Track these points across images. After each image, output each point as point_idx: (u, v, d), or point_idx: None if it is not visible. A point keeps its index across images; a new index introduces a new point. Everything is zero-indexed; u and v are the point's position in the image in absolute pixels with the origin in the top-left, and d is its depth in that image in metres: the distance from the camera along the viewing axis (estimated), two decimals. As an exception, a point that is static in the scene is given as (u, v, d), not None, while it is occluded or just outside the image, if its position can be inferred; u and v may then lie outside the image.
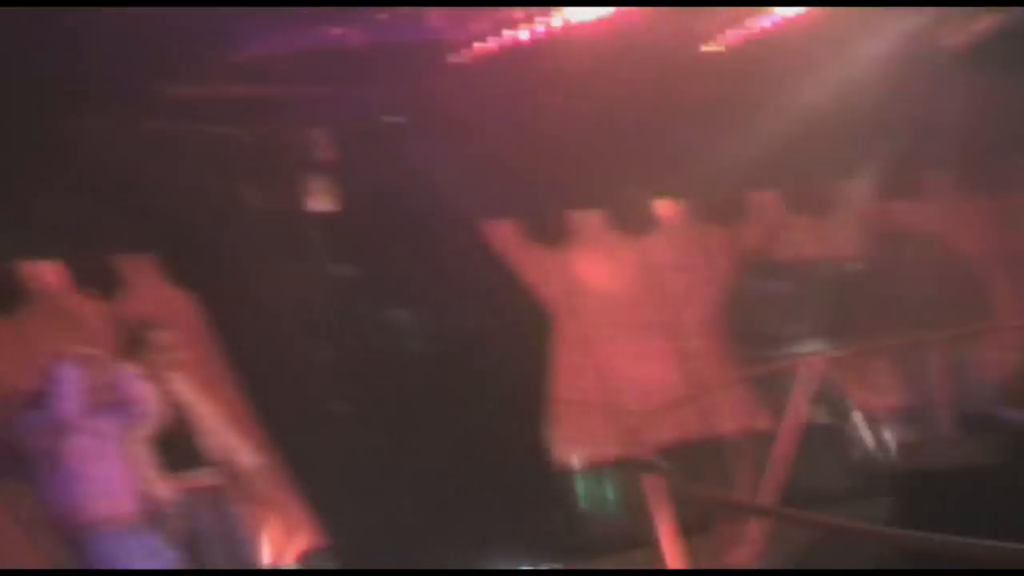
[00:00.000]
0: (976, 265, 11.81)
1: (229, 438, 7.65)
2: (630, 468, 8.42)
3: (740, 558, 7.70)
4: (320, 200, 8.78)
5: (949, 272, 11.25)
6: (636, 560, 8.66)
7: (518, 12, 8.22)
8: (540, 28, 8.51)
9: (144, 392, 7.21)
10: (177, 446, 7.32)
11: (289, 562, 7.87)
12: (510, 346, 9.01)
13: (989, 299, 11.64)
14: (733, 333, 10.55)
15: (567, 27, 8.33)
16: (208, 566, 7.10)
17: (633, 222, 10.64)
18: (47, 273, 7.60)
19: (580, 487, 9.43)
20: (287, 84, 8.44)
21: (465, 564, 8.77)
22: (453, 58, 8.66)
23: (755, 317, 10.60)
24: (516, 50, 8.70)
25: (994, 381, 10.07)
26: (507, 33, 8.59)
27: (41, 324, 7.37)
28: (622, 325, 9.91)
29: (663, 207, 10.75)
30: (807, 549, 7.57)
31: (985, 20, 8.60)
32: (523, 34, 8.63)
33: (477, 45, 8.67)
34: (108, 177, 8.18)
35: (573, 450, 9.39)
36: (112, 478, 6.74)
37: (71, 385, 6.76)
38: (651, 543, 7.37)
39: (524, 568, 7.56)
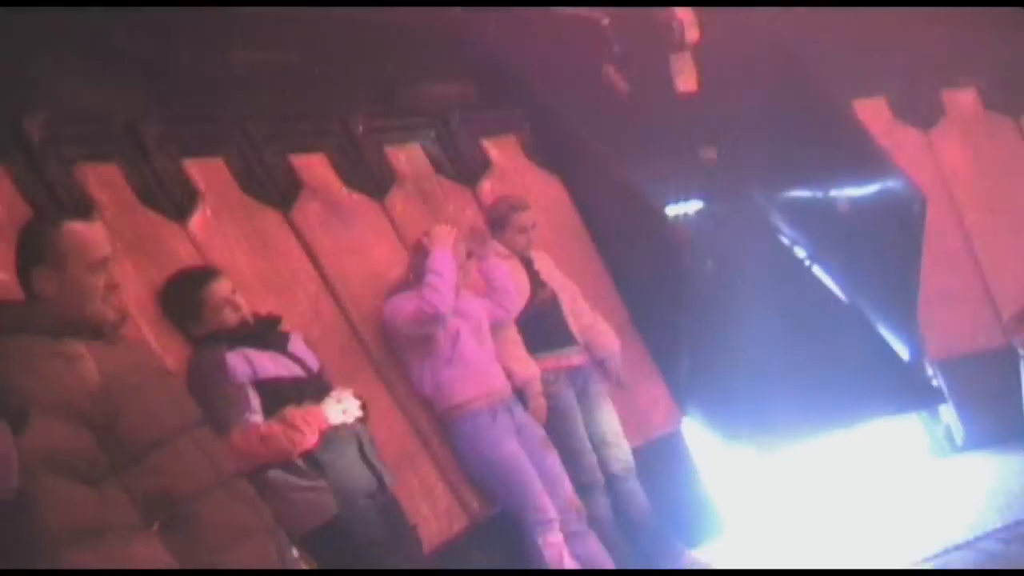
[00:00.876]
0: None
1: (592, 318, 7.71)
2: (1007, 358, 8.12)
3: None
4: (684, 82, 8.67)
5: None
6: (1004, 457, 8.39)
7: None
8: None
9: (510, 272, 7.31)
10: (541, 326, 7.42)
11: (644, 441, 7.87)
12: (880, 230, 8.73)
13: None
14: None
15: None
16: (568, 446, 7.18)
17: (1012, 101, 10.07)
18: (411, 157, 7.75)
19: (953, 377, 9.10)
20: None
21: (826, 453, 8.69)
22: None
23: None
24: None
25: None
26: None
27: (408, 206, 7.50)
28: (999, 211, 9.41)
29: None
30: None
31: None
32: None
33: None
34: (478, 61, 8.33)
35: (946, 340, 9.05)
36: (480, 359, 6.85)
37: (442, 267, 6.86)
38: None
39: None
